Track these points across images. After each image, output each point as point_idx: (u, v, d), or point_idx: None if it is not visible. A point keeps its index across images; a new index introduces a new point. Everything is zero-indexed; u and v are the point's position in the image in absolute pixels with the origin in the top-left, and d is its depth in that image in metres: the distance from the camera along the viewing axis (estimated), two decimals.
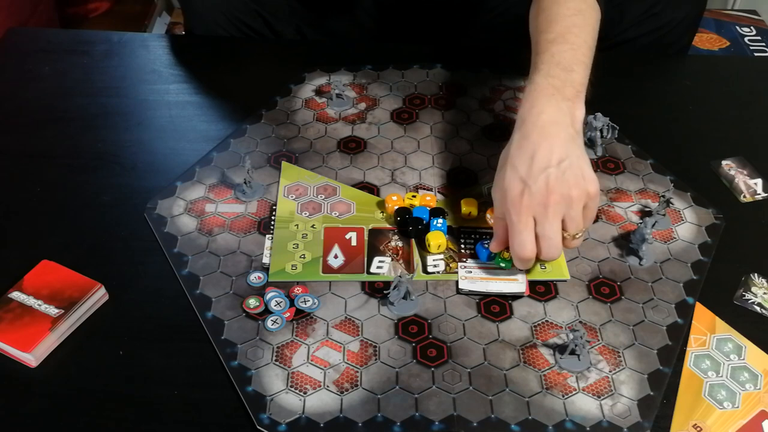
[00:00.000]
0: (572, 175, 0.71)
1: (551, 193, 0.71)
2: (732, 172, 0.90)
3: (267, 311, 0.72)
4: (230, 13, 1.11)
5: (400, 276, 0.71)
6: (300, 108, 0.97)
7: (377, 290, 0.75)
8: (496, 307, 0.74)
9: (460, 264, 0.77)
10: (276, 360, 0.69)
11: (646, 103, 1.01)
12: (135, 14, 2.01)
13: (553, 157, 0.72)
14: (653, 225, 0.78)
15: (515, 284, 0.75)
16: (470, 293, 0.75)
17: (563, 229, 0.72)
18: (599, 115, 0.90)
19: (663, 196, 0.82)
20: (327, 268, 0.77)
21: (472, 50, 1.09)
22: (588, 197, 0.72)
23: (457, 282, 0.76)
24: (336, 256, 0.78)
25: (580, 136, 0.75)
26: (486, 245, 0.77)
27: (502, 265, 0.76)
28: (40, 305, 0.71)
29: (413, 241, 0.80)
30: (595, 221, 0.83)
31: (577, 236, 0.74)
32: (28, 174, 0.88)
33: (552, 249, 0.72)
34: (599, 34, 0.84)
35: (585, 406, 0.66)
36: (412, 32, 1.18)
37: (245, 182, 0.84)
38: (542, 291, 0.75)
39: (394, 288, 0.72)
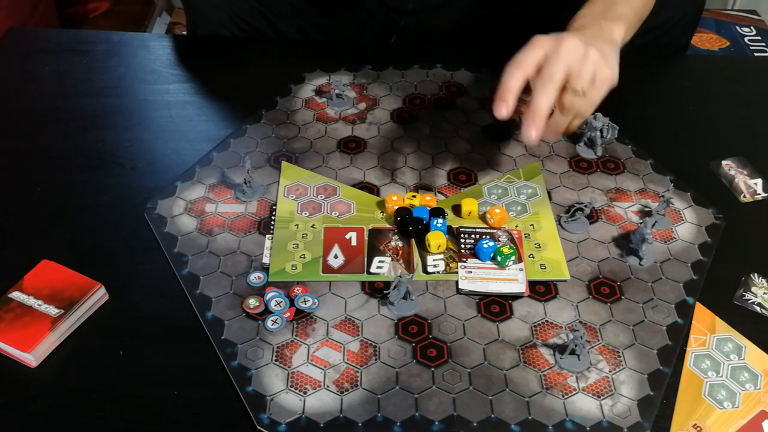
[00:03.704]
0: (599, 45, 0.72)
1: (568, 37, 0.71)
2: (732, 172, 0.90)
3: (267, 311, 0.72)
4: (233, 12, 1.11)
5: (400, 276, 0.71)
6: (300, 108, 0.97)
7: (377, 290, 0.75)
8: (496, 307, 0.74)
9: (460, 264, 0.77)
10: (276, 360, 0.69)
11: (646, 103, 1.01)
12: (135, 14, 2.01)
13: (586, 35, 0.73)
14: (653, 225, 0.78)
15: (515, 284, 0.75)
16: (470, 293, 0.75)
17: (569, 76, 0.71)
18: (599, 115, 0.90)
19: (663, 196, 0.82)
20: (327, 268, 0.77)
21: (472, 50, 1.09)
22: (601, 73, 0.72)
23: (457, 282, 0.76)
24: (336, 256, 0.78)
25: (616, 44, 0.76)
26: (486, 245, 0.77)
27: (498, 258, 0.76)
28: (40, 305, 0.71)
29: (413, 241, 0.80)
30: (595, 221, 0.83)
31: (572, 110, 0.73)
32: (28, 174, 0.88)
33: (547, 91, 0.70)
34: None
35: (585, 406, 0.66)
36: (417, 32, 1.18)
37: (245, 182, 0.84)
38: (542, 291, 0.75)
39: (394, 288, 0.72)
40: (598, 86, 0.73)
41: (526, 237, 0.80)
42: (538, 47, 0.73)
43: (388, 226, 0.82)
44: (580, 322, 0.73)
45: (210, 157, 0.89)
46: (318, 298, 0.73)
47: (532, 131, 0.74)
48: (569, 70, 0.72)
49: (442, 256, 0.78)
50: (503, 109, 0.75)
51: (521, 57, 0.73)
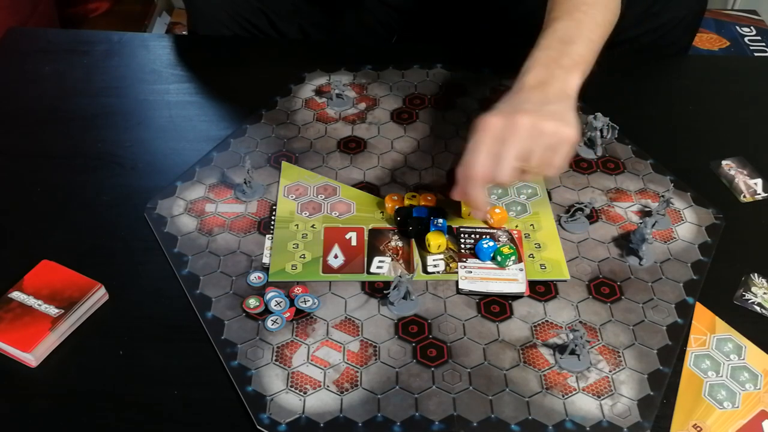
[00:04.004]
0: (553, 112, 0.69)
1: (521, 115, 0.68)
2: (732, 172, 0.90)
3: (267, 311, 0.72)
4: (234, 11, 1.11)
5: (400, 276, 0.71)
6: (300, 108, 0.97)
7: (377, 290, 0.75)
8: (496, 307, 0.74)
9: (460, 264, 0.77)
10: (276, 360, 0.69)
11: (646, 103, 1.01)
12: (135, 14, 2.01)
13: (540, 99, 0.70)
14: (653, 225, 0.78)
15: (515, 284, 0.75)
16: (470, 293, 0.75)
17: (524, 159, 0.69)
18: (599, 115, 0.90)
19: (663, 196, 0.82)
20: (327, 268, 0.77)
21: (472, 50, 1.09)
22: (560, 138, 0.69)
23: (457, 282, 0.76)
24: (336, 256, 0.78)
25: (571, 99, 0.73)
26: (486, 245, 0.77)
27: (498, 258, 0.76)
28: (40, 305, 0.71)
29: (413, 241, 0.80)
30: (595, 221, 0.83)
31: (533, 172, 0.71)
32: (28, 174, 0.88)
33: (501, 171, 0.68)
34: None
35: (585, 406, 0.66)
36: (417, 32, 1.18)
37: (245, 182, 0.84)
38: (542, 291, 0.75)
39: (394, 288, 0.72)
40: (556, 161, 0.71)
41: (526, 237, 0.80)
42: (489, 133, 0.69)
43: (388, 226, 0.82)
44: (580, 322, 0.73)
45: (210, 157, 0.89)
46: (318, 298, 0.73)
47: (482, 216, 0.79)
48: (523, 154, 0.69)
49: (442, 256, 0.78)
50: (480, 217, 0.78)
51: (473, 167, 0.70)
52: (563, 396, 0.67)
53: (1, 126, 0.95)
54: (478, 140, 0.69)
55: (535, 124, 0.68)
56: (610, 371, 0.69)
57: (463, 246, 0.79)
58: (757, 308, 0.75)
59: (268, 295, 0.73)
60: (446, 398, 0.66)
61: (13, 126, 0.95)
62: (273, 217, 0.82)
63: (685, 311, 0.74)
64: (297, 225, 0.81)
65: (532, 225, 0.82)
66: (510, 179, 0.70)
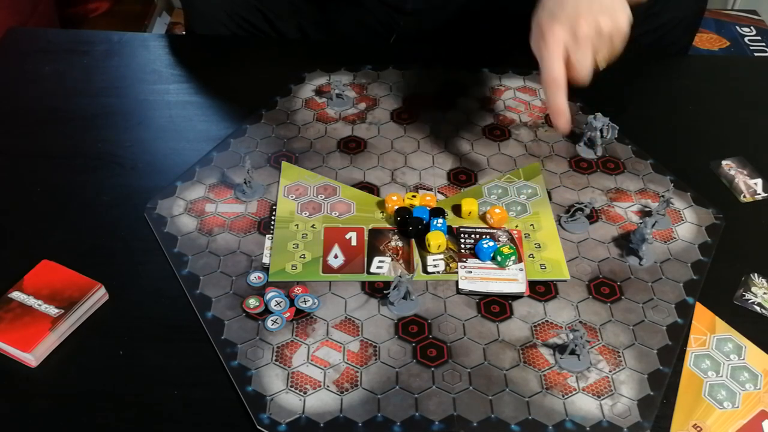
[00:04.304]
0: (603, 7, 0.75)
1: (581, 22, 0.74)
2: (732, 172, 0.90)
3: (267, 311, 0.72)
4: (231, 10, 1.11)
5: (400, 276, 0.71)
6: (300, 108, 0.97)
7: (377, 290, 0.75)
8: (496, 307, 0.74)
9: (460, 264, 0.77)
10: (276, 360, 0.69)
11: (646, 103, 1.01)
12: (135, 14, 2.01)
13: (590, 16, 0.75)
14: (653, 225, 0.78)
15: (515, 284, 0.75)
16: (470, 293, 0.75)
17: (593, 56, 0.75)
18: (599, 115, 0.90)
19: (663, 196, 0.82)
20: (327, 268, 0.77)
21: (472, 50, 1.09)
22: (616, 28, 0.75)
23: (457, 282, 0.76)
24: (336, 256, 0.78)
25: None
26: (486, 245, 0.77)
27: (498, 258, 0.76)
28: (40, 305, 0.71)
29: (413, 241, 0.80)
30: (595, 221, 0.83)
31: (603, 63, 0.77)
32: (28, 174, 0.88)
33: (582, 75, 0.75)
34: None
35: (585, 406, 0.66)
36: (417, 32, 1.18)
37: (245, 182, 0.84)
38: (542, 291, 0.75)
39: (394, 288, 0.72)
40: (618, 40, 0.77)
41: (526, 237, 0.80)
42: (555, 44, 0.75)
43: (388, 226, 0.82)
44: (580, 322, 0.73)
45: (210, 157, 0.89)
46: (318, 298, 0.73)
47: (566, 125, 0.79)
48: (592, 54, 0.76)
49: (442, 256, 0.78)
50: (564, 125, 0.79)
51: (553, 71, 0.76)
52: (563, 396, 0.67)
53: (1, 126, 0.95)
54: (550, 50, 0.75)
55: (595, 26, 0.74)
56: (610, 371, 0.69)
57: (463, 246, 0.79)
58: (757, 308, 0.75)
59: (268, 295, 0.73)
60: (446, 398, 0.66)
61: (13, 126, 0.95)
62: (273, 217, 0.82)
63: (685, 311, 0.74)
64: (297, 225, 0.81)
65: (532, 225, 0.82)
66: (590, 77, 0.76)
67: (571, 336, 0.68)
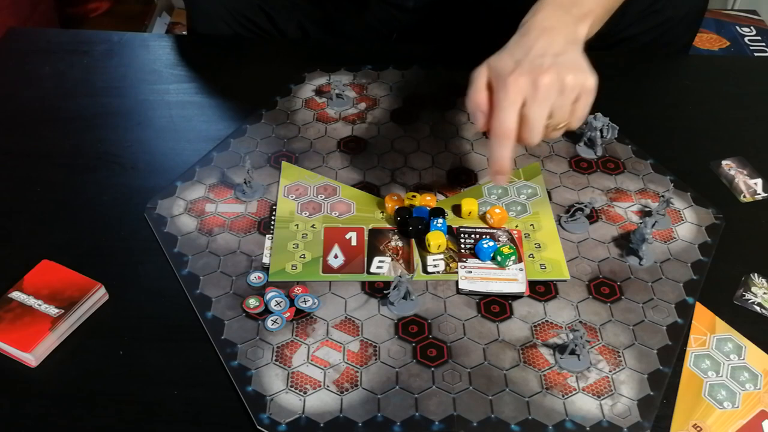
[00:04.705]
0: (569, 63, 0.70)
1: (544, 74, 0.68)
2: (732, 172, 0.90)
3: (267, 311, 0.72)
4: (233, 8, 1.11)
5: (400, 276, 0.71)
6: (300, 108, 0.97)
7: (377, 290, 0.75)
8: (496, 307, 0.74)
9: (460, 264, 0.77)
10: (276, 360, 0.69)
11: (646, 103, 1.01)
12: (135, 14, 2.01)
13: (552, 49, 0.70)
14: (653, 225, 0.78)
15: (515, 284, 0.75)
16: (470, 293, 0.75)
17: (550, 117, 0.70)
18: (599, 115, 0.90)
19: (663, 196, 0.82)
20: (327, 268, 0.77)
21: (472, 50, 1.08)
22: (582, 89, 0.70)
23: (457, 282, 0.76)
24: (336, 256, 0.78)
25: (579, 45, 0.73)
26: (486, 245, 0.77)
27: (498, 258, 0.76)
28: (40, 305, 0.71)
29: (413, 241, 0.80)
30: (595, 221, 0.83)
31: (559, 127, 0.72)
32: (28, 174, 0.88)
33: (534, 134, 0.69)
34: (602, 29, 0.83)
35: (585, 406, 0.66)
36: (417, 32, 1.18)
37: (245, 182, 0.84)
38: (542, 291, 0.75)
39: (394, 288, 0.72)
40: (579, 111, 0.72)
41: (526, 237, 0.80)
42: (513, 91, 0.69)
43: (388, 226, 0.82)
44: (580, 322, 0.73)
45: (210, 157, 0.89)
46: (318, 298, 0.73)
47: (504, 181, 0.75)
48: (549, 113, 0.70)
49: (442, 256, 0.78)
50: (502, 181, 0.75)
51: (507, 121, 0.70)
52: (563, 396, 0.67)
53: (1, 126, 0.95)
54: (510, 99, 0.69)
55: (558, 80, 0.69)
56: (610, 371, 0.69)
57: (463, 246, 0.79)
58: (757, 308, 0.75)
59: (268, 295, 0.73)
60: (446, 398, 0.66)
61: (13, 126, 0.95)
62: (273, 217, 0.82)
63: (685, 311, 0.74)
64: (297, 225, 0.81)
65: (532, 225, 0.82)
66: (539, 139, 0.71)
67: (571, 336, 0.68)
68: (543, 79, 0.68)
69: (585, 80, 0.70)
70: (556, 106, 0.70)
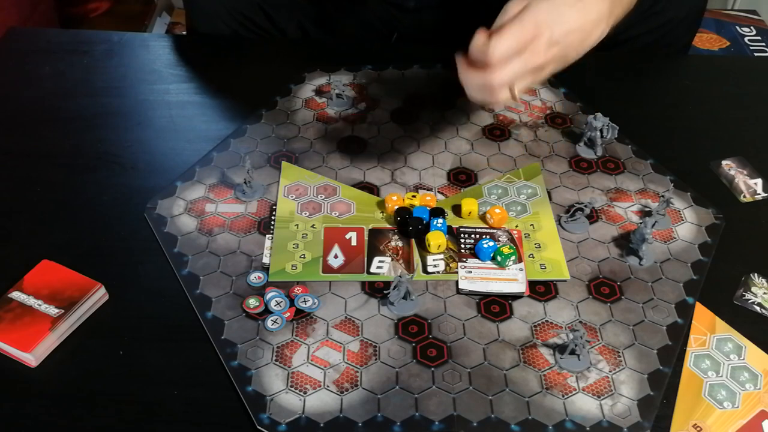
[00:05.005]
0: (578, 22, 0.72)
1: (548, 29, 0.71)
2: (732, 172, 0.90)
3: (267, 311, 0.72)
4: (232, 7, 1.11)
5: (400, 276, 0.71)
6: (300, 108, 0.97)
7: (377, 290, 0.75)
8: (496, 307, 0.74)
9: (460, 264, 0.77)
10: (276, 360, 0.69)
11: (646, 103, 1.01)
12: (135, 14, 2.01)
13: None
14: (653, 225, 0.78)
15: (515, 284, 0.75)
16: (470, 293, 0.75)
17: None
18: (599, 115, 0.90)
19: (663, 196, 0.82)
20: (327, 268, 0.77)
21: None
22: (574, 48, 0.73)
23: (457, 282, 0.76)
24: (336, 256, 0.78)
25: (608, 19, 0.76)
26: (486, 245, 0.77)
27: (498, 258, 0.76)
28: (40, 305, 0.71)
29: (413, 241, 0.80)
30: (595, 221, 0.83)
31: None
32: (28, 174, 0.88)
33: (516, 85, 0.72)
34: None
35: (585, 406, 0.66)
36: (417, 32, 1.18)
37: (245, 182, 0.84)
38: (542, 291, 0.75)
39: (394, 288, 0.72)
40: (584, 45, 0.74)
41: (526, 237, 0.80)
42: (520, 38, 0.72)
43: (388, 226, 0.82)
44: (580, 322, 0.73)
45: (210, 157, 0.89)
46: (318, 298, 0.73)
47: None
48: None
49: (442, 256, 0.78)
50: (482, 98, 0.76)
51: (498, 50, 0.72)
52: (563, 396, 0.67)
53: (1, 126, 0.95)
54: (510, 32, 0.72)
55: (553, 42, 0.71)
56: (610, 371, 0.69)
57: (463, 246, 0.79)
58: (757, 308, 0.75)
59: (268, 295, 0.73)
60: (446, 398, 0.66)
61: (13, 126, 0.95)
62: (273, 217, 0.82)
63: (685, 311, 0.74)
64: (297, 225, 0.81)
65: (532, 225, 0.82)
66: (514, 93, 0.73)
67: (571, 336, 0.68)
68: (540, 40, 0.71)
69: (582, 43, 0.72)
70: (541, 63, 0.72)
